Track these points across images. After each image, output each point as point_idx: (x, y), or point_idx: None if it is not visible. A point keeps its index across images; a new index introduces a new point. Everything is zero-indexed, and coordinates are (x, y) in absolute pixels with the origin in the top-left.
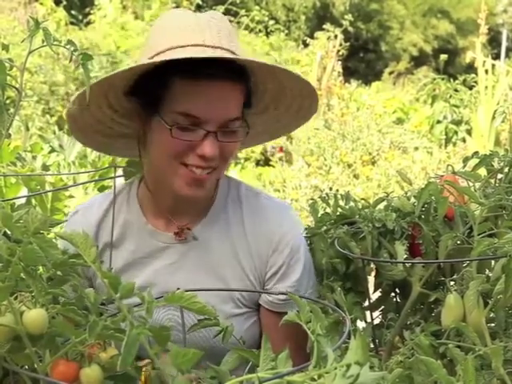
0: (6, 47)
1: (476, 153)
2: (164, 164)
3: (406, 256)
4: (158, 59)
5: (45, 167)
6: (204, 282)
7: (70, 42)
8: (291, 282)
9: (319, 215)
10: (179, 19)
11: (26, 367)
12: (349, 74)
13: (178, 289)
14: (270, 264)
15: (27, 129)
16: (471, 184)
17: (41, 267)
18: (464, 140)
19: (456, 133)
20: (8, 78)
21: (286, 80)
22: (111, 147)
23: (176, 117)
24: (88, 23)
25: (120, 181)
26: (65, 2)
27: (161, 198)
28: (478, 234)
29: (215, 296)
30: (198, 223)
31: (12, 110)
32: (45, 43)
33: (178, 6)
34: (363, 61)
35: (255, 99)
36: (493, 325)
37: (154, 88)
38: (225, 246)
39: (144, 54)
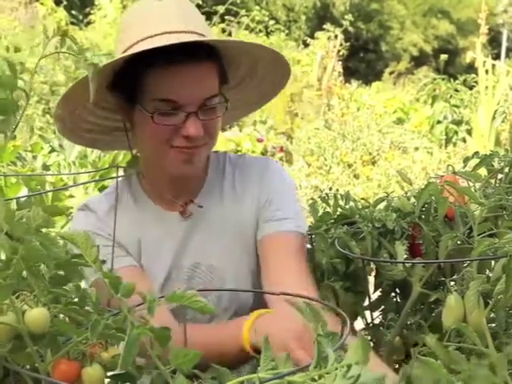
0: (8, 49)
1: (476, 153)
2: (153, 150)
3: (406, 256)
4: (125, 54)
5: (45, 167)
6: (218, 244)
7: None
8: (274, 206)
9: (319, 214)
10: (144, 10)
11: (28, 367)
12: (349, 74)
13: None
14: (259, 215)
15: (32, 129)
16: (471, 184)
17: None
18: (464, 140)
19: (456, 133)
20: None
21: (257, 52)
22: (102, 142)
23: (156, 104)
24: (88, 23)
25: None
26: (65, 2)
27: (158, 183)
28: (478, 234)
29: (244, 259)
30: (197, 196)
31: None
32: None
33: None
34: (363, 61)
35: (230, 74)
36: (493, 325)
37: (130, 80)
38: (223, 211)
39: (117, 49)
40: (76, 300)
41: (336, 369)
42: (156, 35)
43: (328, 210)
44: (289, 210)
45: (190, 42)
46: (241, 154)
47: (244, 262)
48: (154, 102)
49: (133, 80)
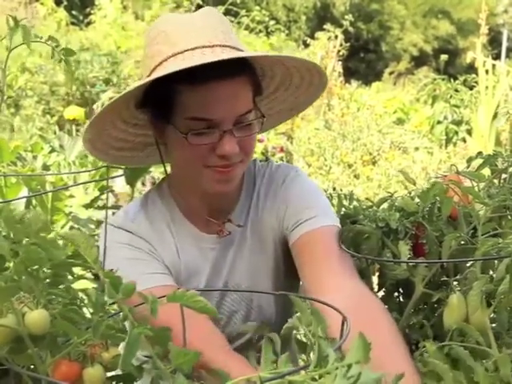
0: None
1: (480, 153)
2: (188, 170)
3: (409, 256)
4: (159, 70)
5: (45, 167)
6: (245, 262)
7: (50, 38)
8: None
9: None
10: (172, 24)
11: (28, 368)
12: (349, 74)
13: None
14: (285, 221)
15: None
16: (475, 184)
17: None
18: (464, 140)
19: (456, 133)
20: (8, 78)
21: (292, 64)
22: (133, 159)
23: (189, 123)
24: (88, 23)
25: (120, 182)
26: (65, 2)
27: (193, 200)
28: (482, 234)
29: (265, 275)
30: (233, 214)
31: (12, 110)
32: (43, 42)
33: (178, 6)
34: (364, 61)
35: (265, 84)
36: (494, 325)
37: (162, 98)
38: (250, 226)
39: (146, 65)
40: (73, 301)
41: (336, 368)
42: (186, 51)
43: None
44: (316, 208)
45: (220, 60)
46: (267, 161)
47: (266, 278)
48: (186, 122)
49: (163, 98)
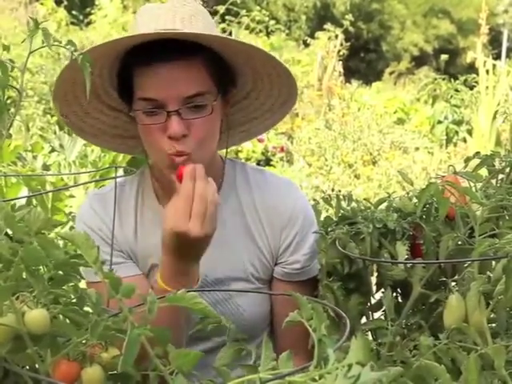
0: (6, 48)
1: (477, 153)
2: (152, 155)
3: (407, 256)
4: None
5: (45, 167)
6: (219, 257)
7: (70, 42)
8: (305, 250)
9: (322, 220)
10: (142, 13)
11: (28, 367)
12: (350, 74)
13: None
14: (283, 237)
15: (28, 129)
16: (472, 184)
17: (42, 267)
18: (465, 140)
19: (457, 133)
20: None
21: (257, 58)
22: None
23: (140, 103)
24: (89, 23)
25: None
26: (65, 2)
27: (166, 185)
28: (480, 235)
29: (228, 272)
30: None
31: (12, 110)
32: (45, 43)
33: None
34: (364, 61)
35: (242, 80)
36: (494, 325)
37: (126, 85)
38: (237, 224)
39: None
40: (75, 301)
41: (337, 368)
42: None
43: (330, 211)
44: (304, 254)
45: (168, 39)
46: (260, 168)
47: (252, 282)
48: (138, 102)
49: (127, 85)
